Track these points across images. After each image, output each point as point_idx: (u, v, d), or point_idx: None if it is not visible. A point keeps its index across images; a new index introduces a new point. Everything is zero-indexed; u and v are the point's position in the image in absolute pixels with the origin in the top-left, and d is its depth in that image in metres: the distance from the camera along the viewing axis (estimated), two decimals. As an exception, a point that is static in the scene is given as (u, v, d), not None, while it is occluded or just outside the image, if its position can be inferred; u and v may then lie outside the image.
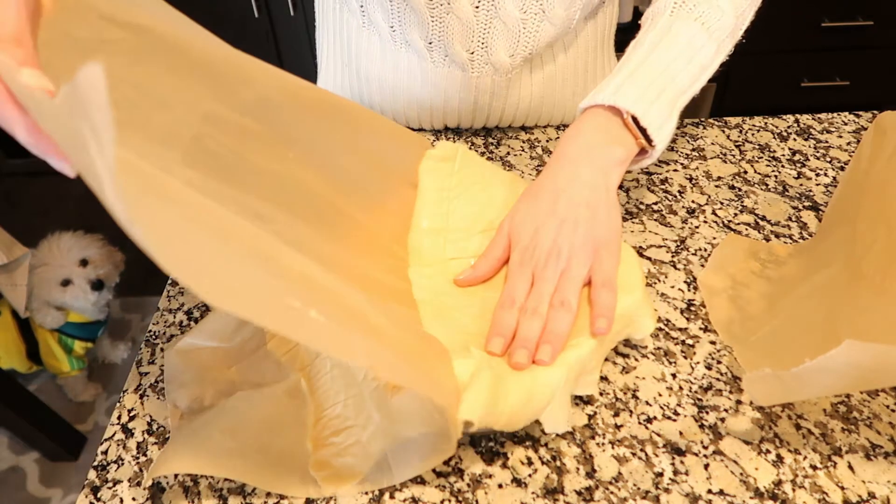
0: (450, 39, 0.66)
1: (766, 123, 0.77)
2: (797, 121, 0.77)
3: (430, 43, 0.68)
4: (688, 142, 0.74)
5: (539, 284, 0.48)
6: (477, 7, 0.64)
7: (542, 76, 0.72)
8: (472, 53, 0.67)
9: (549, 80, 0.73)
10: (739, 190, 0.67)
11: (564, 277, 0.48)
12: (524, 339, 0.45)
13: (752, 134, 0.75)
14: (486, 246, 0.53)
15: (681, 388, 0.50)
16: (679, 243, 0.61)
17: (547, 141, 0.76)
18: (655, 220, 0.64)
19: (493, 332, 0.47)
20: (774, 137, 0.75)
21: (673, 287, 0.58)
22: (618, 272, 0.49)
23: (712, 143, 0.74)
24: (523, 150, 0.74)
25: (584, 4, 0.66)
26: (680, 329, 0.54)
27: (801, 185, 0.68)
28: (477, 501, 0.43)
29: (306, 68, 0.86)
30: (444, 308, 0.51)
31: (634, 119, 0.51)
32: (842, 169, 0.69)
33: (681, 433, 0.47)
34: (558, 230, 0.50)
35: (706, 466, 0.45)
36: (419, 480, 0.45)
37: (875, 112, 0.76)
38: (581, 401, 0.49)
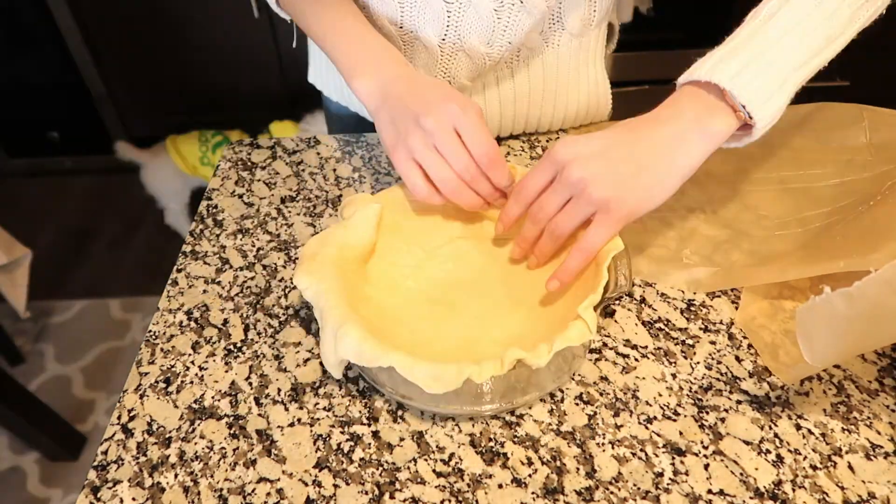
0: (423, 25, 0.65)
1: (766, 123, 0.77)
2: (797, 121, 0.77)
3: (402, 27, 0.66)
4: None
5: (547, 196, 0.51)
6: (443, 39, 0.63)
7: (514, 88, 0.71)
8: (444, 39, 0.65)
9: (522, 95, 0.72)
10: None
11: (564, 210, 0.50)
12: (523, 239, 0.53)
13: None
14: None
15: (681, 388, 0.50)
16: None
17: (547, 141, 0.75)
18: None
19: (500, 219, 0.54)
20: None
21: (673, 287, 0.58)
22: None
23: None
24: (523, 150, 0.74)
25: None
26: (680, 329, 0.54)
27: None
28: (477, 501, 0.43)
29: (305, 68, 0.86)
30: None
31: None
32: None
33: (681, 433, 0.47)
34: (594, 169, 0.48)
35: (706, 466, 0.45)
36: (419, 480, 0.45)
37: (875, 112, 0.75)
38: (581, 401, 0.49)
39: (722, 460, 0.45)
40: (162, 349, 0.54)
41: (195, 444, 0.47)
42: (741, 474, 0.44)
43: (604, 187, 0.47)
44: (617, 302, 0.56)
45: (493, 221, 0.57)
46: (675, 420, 0.48)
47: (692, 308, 0.56)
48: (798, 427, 0.47)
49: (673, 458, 0.45)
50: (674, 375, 0.51)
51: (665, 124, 0.49)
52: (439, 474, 0.45)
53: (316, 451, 0.47)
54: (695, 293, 0.57)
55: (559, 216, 0.50)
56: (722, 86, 0.47)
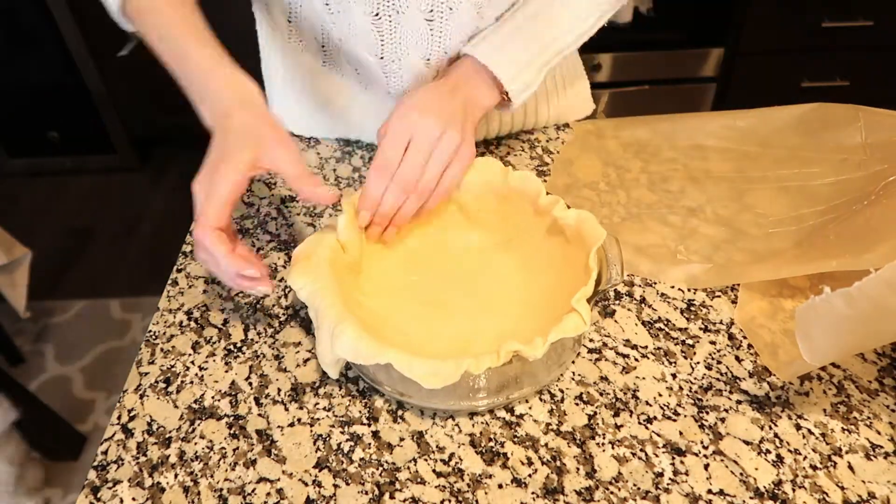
0: (406, 86, 0.67)
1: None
2: (797, 121, 0.77)
3: (389, 93, 0.68)
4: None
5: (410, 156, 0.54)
6: (428, 60, 0.64)
7: None
8: None
9: None
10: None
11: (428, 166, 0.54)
12: (383, 216, 0.54)
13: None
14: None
15: (681, 388, 0.50)
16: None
17: (547, 141, 0.76)
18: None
19: (361, 206, 0.54)
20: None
21: (673, 287, 0.58)
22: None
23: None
24: (523, 150, 0.74)
25: None
26: (680, 329, 0.54)
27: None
28: (477, 501, 0.44)
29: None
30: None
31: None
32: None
33: (681, 433, 0.47)
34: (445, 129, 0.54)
35: (706, 466, 0.45)
36: (419, 480, 0.45)
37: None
38: (581, 401, 0.49)
39: (722, 460, 0.45)
40: (162, 349, 0.54)
41: (195, 444, 0.47)
42: (741, 474, 0.44)
43: (456, 134, 0.54)
44: (617, 302, 0.56)
45: (477, 224, 0.58)
46: (675, 420, 0.48)
47: (692, 308, 0.56)
48: (798, 427, 0.47)
49: (673, 458, 0.45)
50: (674, 375, 0.51)
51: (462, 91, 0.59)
52: (439, 474, 0.45)
53: (316, 451, 0.47)
54: (695, 293, 0.57)
55: (428, 172, 0.54)
56: (497, 75, 0.58)
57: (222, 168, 0.48)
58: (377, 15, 0.60)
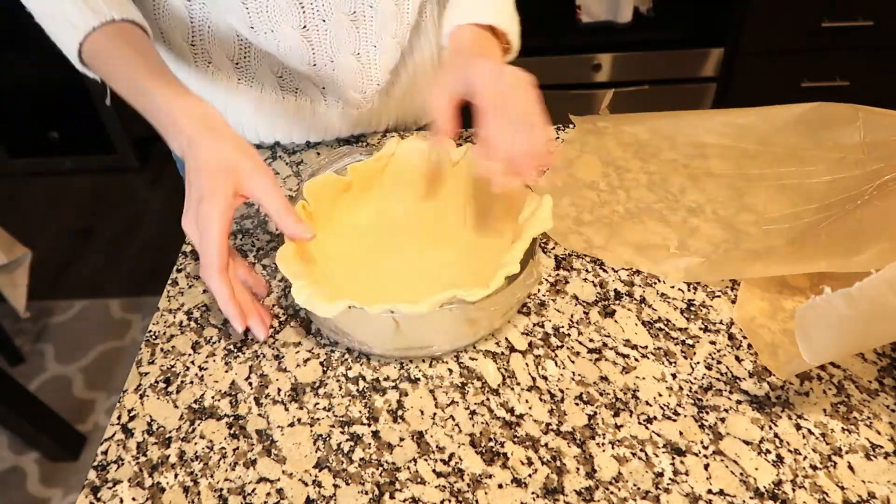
0: (341, 86, 0.69)
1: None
2: (797, 121, 0.77)
3: (324, 88, 0.70)
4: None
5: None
6: (358, 55, 0.66)
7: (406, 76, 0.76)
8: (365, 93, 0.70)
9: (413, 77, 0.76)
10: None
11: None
12: None
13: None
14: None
15: (681, 388, 0.50)
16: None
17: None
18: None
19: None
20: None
21: (673, 287, 0.58)
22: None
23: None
24: (523, 150, 0.74)
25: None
26: (680, 329, 0.54)
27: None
28: (477, 501, 0.44)
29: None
30: None
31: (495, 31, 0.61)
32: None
33: (681, 433, 0.47)
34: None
35: (706, 466, 0.45)
36: (419, 480, 0.45)
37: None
38: (581, 401, 0.49)
39: (722, 460, 0.45)
40: (162, 349, 0.54)
41: (195, 444, 0.48)
42: (741, 474, 0.44)
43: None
44: (617, 302, 0.56)
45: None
46: (675, 420, 0.48)
47: (692, 308, 0.56)
48: (798, 427, 0.47)
49: (673, 458, 0.45)
50: (674, 375, 0.51)
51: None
52: (439, 474, 0.45)
53: (316, 451, 0.47)
54: (694, 293, 0.57)
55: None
56: (502, 28, 0.61)
57: (205, 208, 0.48)
58: (305, 27, 0.62)
